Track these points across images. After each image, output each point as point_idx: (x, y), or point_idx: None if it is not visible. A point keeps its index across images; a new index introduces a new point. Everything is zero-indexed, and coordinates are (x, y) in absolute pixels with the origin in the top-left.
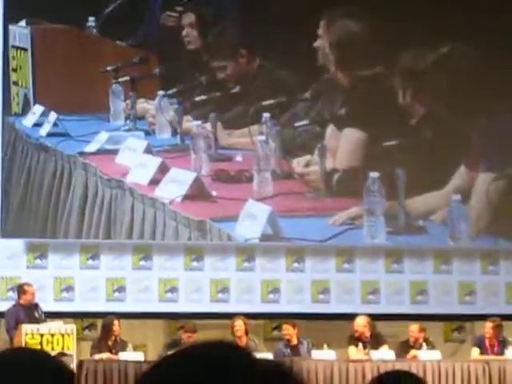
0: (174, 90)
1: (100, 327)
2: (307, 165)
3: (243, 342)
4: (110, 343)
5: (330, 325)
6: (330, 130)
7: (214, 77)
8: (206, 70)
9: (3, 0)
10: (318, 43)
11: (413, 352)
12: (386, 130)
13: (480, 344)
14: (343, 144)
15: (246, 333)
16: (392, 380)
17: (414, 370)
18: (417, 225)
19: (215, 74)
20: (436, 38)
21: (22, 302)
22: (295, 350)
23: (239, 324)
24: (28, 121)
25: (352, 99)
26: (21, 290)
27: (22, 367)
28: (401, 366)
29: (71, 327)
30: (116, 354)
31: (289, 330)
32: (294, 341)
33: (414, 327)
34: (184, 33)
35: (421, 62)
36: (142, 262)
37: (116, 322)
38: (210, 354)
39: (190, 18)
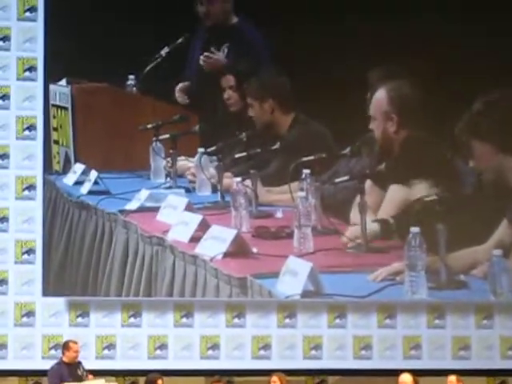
0: (214, 147)
1: None
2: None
3: None
4: None
5: (373, 381)
6: (368, 185)
7: (253, 132)
8: (246, 126)
9: (44, 60)
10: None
11: None
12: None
13: None
14: (387, 200)
15: None
16: None
17: None
18: (458, 280)
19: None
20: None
21: (65, 359)
22: None
23: (274, 380)
24: (69, 179)
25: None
26: (65, 346)
27: None
28: None
29: None
30: None
31: None
32: None
33: (451, 378)
34: (225, 95)
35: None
36: (184, 320)
37: (160, 381)
38: None
39: (229, 81)
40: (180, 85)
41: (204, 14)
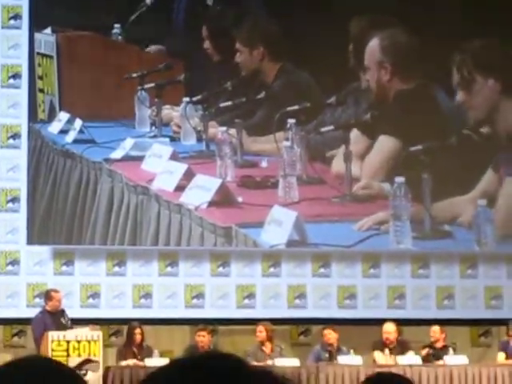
0: (199, 96)
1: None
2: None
3: (267, 347)
4: (134, 350)
5: (356, 330)
6: (355, 134)
7: (239, 81)
8: (231, 75)
9: (29, 8)
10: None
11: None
12: (413, 135)
13: (505, 348)
14: (375, 151)
15: (271, 339)
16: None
17: (440, 375)
18: (443, 230)
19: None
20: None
21: (48, 308)
22: (332, 356)
23: (260, 330)
24: (54, 128)
25: (382, 105)
26: (48, 296)
27: (37, 375)
28: (427, 371)
29: (97, 334)
30: (141, 360)
31: (331, 335)
32: (334, 347)
33: (435, 328)
34: (204, 45)
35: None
36: (168, 269)
37: (138, 330)
38: (204, 363)
39: (204, 31)
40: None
41: None
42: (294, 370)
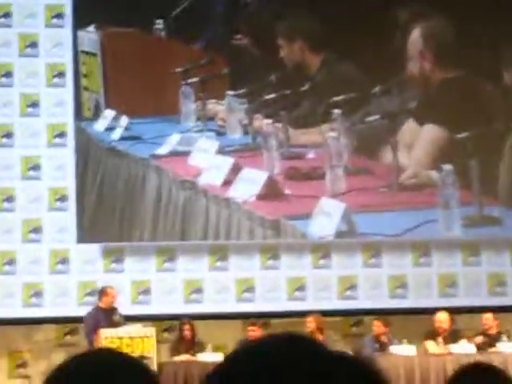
0: (244, 89)
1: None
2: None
3: (318, 338)
4: (186, 345)
5: (407, 320)
6: (400, 124)
7: (283, 73)
8: (275, 68)
9: (72, 6)
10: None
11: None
12: (459, 122)
13: None
14: (422, 140)
15: (321, 330)
16: (474, 375)
17: (495, 363)
18: (492, 216)
19: (283, 67)
20: None
21: (102, 305)
22: (383, 346)
23: (309, 320)
24: (100, 125)
25: (426, 94)
26: (103, 292)
27: (108, 367)
28: (482, 359)
29: (150, 330)
30: (194, 355)
31: (380, 326)
32: (384, 338)
33: (487, 316)
34: (243, 41)
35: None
36: (219, 263)
37: (187, 326)
38: (276, 346)
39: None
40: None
41: None
42: None
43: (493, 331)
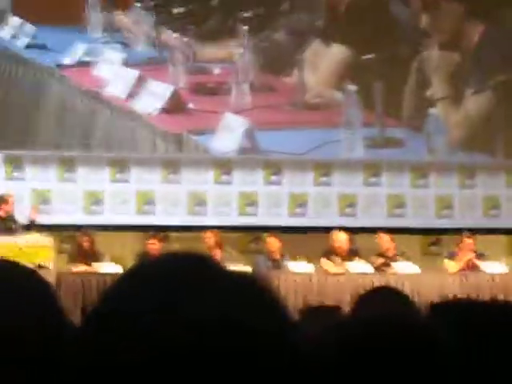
0: (151, 2)
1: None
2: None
3: (215, 254)
4: (85, 256)
5: (306, 238)
6: (307, 42)
7: None
8: None
9: None
10: None
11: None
12: (365, 44)
13: (453, 257)
14: (328, 60)
15: (220, 245)
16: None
17: (392, 283)
18: (394, 138)
19: None
20: None
21: (0, 213)
22: (277, 263)
23: (208, 236)
24: (5, 33)
25: (335, 14)
26: (2, 200)
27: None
28: (378, 279)
29: (49, 239)
30: (90, 265)
31: (274, 243)
32: (277, 255)
33: (385, 237)
34: None
35: None
36: (119, 175)
37: (85, 238)
38: (175, 265)
39: None
40: None
41: None
42: None
43: (390, 253)
